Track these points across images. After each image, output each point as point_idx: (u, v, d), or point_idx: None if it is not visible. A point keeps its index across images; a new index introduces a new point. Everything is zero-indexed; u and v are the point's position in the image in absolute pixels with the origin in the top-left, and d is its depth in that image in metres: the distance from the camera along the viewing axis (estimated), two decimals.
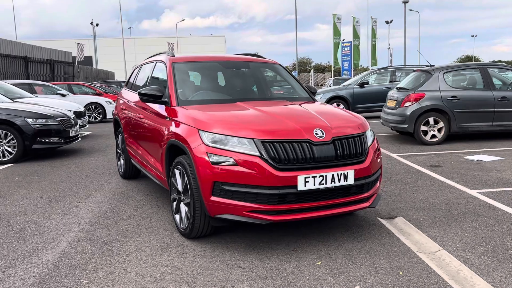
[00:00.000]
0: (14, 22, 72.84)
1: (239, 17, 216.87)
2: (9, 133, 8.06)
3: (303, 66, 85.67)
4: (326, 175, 3.65)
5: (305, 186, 3.58)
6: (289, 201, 3.61)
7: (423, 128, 9.09)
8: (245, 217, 3.59)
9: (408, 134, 9.76)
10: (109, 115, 16.90)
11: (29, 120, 8.16)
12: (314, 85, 43.64)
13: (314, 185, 3.61)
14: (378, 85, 14.69)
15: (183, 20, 74.51)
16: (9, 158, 8.10)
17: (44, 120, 8.33)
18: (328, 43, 35.40)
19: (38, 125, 8.21)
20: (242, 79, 5.25)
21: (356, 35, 37.62)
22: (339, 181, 3.71)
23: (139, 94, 4.64)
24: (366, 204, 3.98)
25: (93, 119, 16.57)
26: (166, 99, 4.60)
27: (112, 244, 3.98)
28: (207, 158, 3.63)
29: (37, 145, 8.22)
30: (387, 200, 5.25)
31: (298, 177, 3.56)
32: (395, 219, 4.61)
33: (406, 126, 9.14)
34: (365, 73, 16.02)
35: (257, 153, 3.56)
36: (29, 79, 21.50)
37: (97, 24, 66.48)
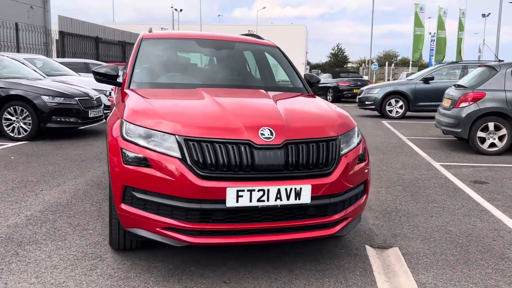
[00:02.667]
0: (112, 6, 77.00)
1: (330, 7, 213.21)
2: (25, 110, 7.87)
3: (388, 59, 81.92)
4: (268, 190, 2.74)
5: (237, 201, 2.71)
6: (216, 220, 2.76)
7: (480, 134, 7.63)
8: (157, 235, 2.80)
9: (465, 140, 8.31)
10: None
11: (45, 97, 7.91)
12: (387, 79, 41.16)
13: (251, 201, 2.73)
14: (445, 81, 12.95)
15: (263, 8, 74.16)
16: (24, 135, 7.93)
17: (62, 98, 8.05)
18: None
19: (54, 103, 7.95)
20: (219, 62, 4.41)
21: (441, 26, 34.65)
22: (288, 199, 2.79)
23: (93, 72, 3.99)
24: (330, 231, 3.01)
25: None
26: (121, 80, 3.92)
27: (26, 246, 3.38)
28: (120, 155, 2.87)
29: (52, 124, 7.97)
30: (394, 222, 4.18)
31: (228, 189, 2.69)
32: (388, 249, 3.57)
33: (459, 130, 7.73)
34: (431, 67, 14.30)
35: (177, 154, 2.74)
36: (98, 59, 22.09)
37: (181, 10, 68.36)
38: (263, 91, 3.79)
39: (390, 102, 13.27)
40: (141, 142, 2.84)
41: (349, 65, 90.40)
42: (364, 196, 3.33)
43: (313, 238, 2.98)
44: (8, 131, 7.93)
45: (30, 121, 7.89)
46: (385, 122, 12.53)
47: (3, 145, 7.50)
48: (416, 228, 4.04)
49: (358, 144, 3.25)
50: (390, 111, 13.33)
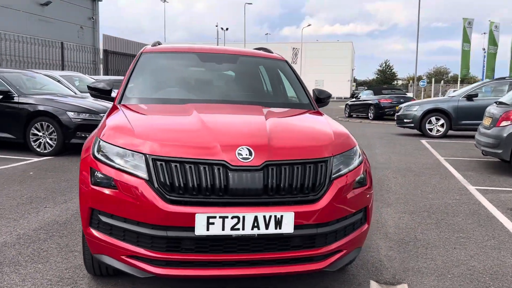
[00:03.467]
0: (164, 26, 79.81)
1: (380, 24, 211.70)
2: (51, 126, 7.97)
3: (439, 75, 79.53)
4: (244, 217, 2.44)
5: (207, 229, 2.42)
6: (185, 250, 2.48)
7: None
8: (122, 263, 2.56)
9: (508, 162, 7.63)
10: None
11: (71, 113, 7.99)
12: (435, 95, 39.58)
13: (223, 229, 2.43)
14: (490, 98, 12.11)
15: (308, 25, 74.42)
16: (49, 150, 8.01)
17: (87, 114, 8.10)
18: (475, 52, 31.80)
19: (79, 119, 8.01)
20: (219, 76, 4.17)
21: (493, 42, 33.03)
22: (267, 228, 2.47)
23: (88, 88, 3.87)
24: (318, 266, 2.65)
25: None
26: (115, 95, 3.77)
27: (4, 268, 3.23)
28: (89, 175, 2.67)
29: (77, 139, 8.00)
30: (409, 254, 3.74)
31: (197, 215, 2.41)
32: (396, 286, 3.15)
33: (500, 151, 7.09)
34: (476, 84, 13.48)
35: (145, 175, 2.50)
36: None
37: (227, 29, 69.63)
38: (260, 107, 3.50)
39: (430, 120, 12.59)
40: (110, 161, 2.62)
41: (399, 82, 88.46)
42: (365, 226, 2.94)
43: (297, 272, 2.63)
44: (35, 146, 8.05)
45: (56, 137, 7.97)
46: (424, 141, 11.86)
47: (28, 160, 7.59)
48: (433, 262, 3.58)
49: (357, 166, 2.89)
50: (430, 130, 12.63)
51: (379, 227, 4.46)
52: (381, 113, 20.62)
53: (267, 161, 2.54)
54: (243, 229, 2.45)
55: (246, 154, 2.54)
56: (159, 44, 4.44)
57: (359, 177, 2.86)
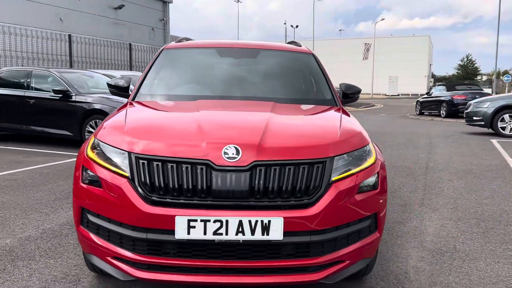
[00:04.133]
0: (237, 25, 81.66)
1: (464, 16, 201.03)
2: None
3: None
4: (227, 221, 2.27)
5: (188, 233, 2.28)
6: (168, 253, 2.36)
7: None
8: (107, 264, 2.50)
9: None
10: None
11: None
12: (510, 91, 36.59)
13: (205, 234, 2.28)
14: None
15: (382, 19, 71.56)
16: None
17: None
18: None
19: None
20: (236, 71, 3.98)
21: None
22: (253, 233, 2.28)
23: (107, 85, 3.88)
24: (313, 277, 2.41)
25: None
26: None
27: (18, 262, 3.30)
28: (80, 173, 2.63)
29: None
30: (442, 266, 3.35)
31: (177, 218, 2.28)
32: None
33: None
34: None
35: (128, 173, 2.41)
36: None
37: (297, 26, 69.18)
38: (272, 103, 3.28)
39: (503, 118, 11.53)
40: (100, 159, 2.56)
41: (484, 77, 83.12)
42: (375, 235, 2.64)
43: (290, 283, 2.41)
44: None
45: None
46: (494, 140, 10.89)
47: None
48: (467, 277, 3.18)
49: (367, 167, 2.60)
50: (503, 128, 11.58)
51: (416, 234, 4.07)
52: (454, 111, 19.29)
53: (255, 161, 2.34)
54: (226, 234, 2.28)
55: (233, 154, 2.36)
56: (186, 41, 4.37)
57: (369, 180, 2.58)
